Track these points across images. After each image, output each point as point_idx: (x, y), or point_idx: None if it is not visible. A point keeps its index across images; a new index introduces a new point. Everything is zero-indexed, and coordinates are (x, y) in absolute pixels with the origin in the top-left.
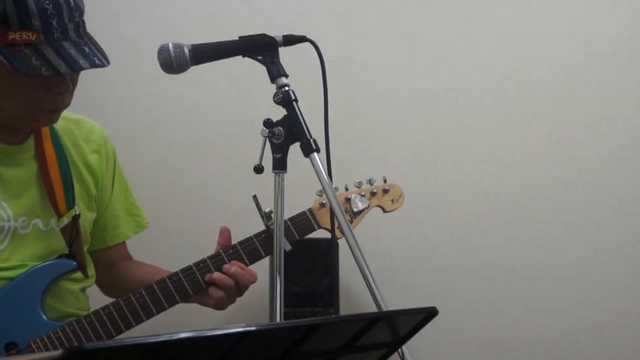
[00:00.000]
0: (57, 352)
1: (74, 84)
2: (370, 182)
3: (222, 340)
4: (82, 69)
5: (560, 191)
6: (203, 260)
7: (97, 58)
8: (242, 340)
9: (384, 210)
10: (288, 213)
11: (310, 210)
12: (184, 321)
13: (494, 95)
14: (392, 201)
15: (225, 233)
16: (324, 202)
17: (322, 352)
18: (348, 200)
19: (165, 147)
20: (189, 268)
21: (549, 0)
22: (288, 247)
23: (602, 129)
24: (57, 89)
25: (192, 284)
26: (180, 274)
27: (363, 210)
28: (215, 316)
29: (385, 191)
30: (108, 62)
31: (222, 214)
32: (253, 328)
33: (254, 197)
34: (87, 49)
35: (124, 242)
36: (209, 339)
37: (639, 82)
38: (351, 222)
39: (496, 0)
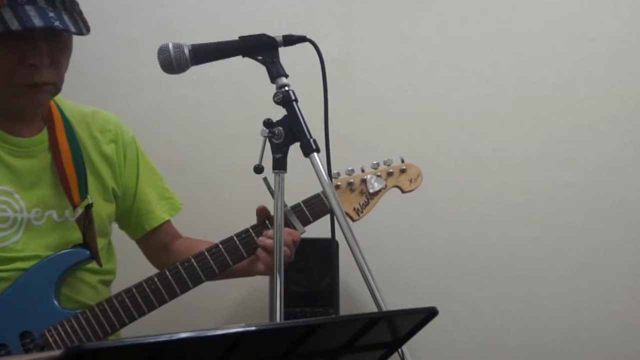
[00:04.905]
0: (57, 353)
1: (55, 61)
2: (386, 162)
3: (222, 340)
4: (34, 26)
5: (560, 191)
6: (245, 231)
7: (60, 22)
8: (242, 340)
9: (402, 191)
10: None
11: (324, 192)
12: (184, 321)
13: (494, 95)
14: (410, 181)
15: (261, 209)
16: (339, 183)
17: (322, 352)
18: (364, 181)
19: (165, 147)
20: (229, 239)
21: (549, 0)
22: (302, 231)
23: (602, 129)
24: (30, 60)
25: (233, 255)
26: (219, 246)
27: (380, 190)
28: (215, 316)
29: (403, 171)
30: (77, 30)
31: (222, 213)
32: (253, 328)
33: (265, 179)
34: (51, 14)
35: (167, 223)
36: (209, 339)
37: (639, 82)
38: (367, 203)
39: (496, 0)
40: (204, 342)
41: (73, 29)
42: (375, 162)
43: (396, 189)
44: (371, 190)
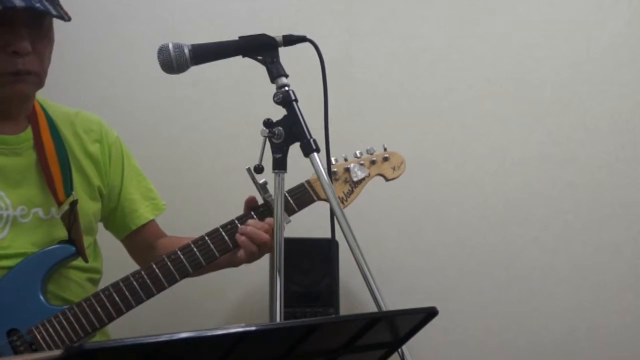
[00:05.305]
0: (57, 352)
1: (37, 50)
2: (369, 151)
3: (222, 340)
4: (15, 6)
5: (560, 191)
6: (231, 222)
7: (41, 4)
8: (242, 340)
9: (386, 179)
10: None
11: (308, 181)
12: (184, 321)
13: (494, 95)
14: (394, 169)
15: (250, 200)
16: None
17: (322, 352)
18: (347, 170)
19: (165, 147)
20: (215, 231)
21: (549, 0)
22: (288, 220)
23: (602, 129)
24: (12, 48)
25: (219, 247)
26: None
27: (363, 179)
28: (215, 316)
29: (386, 159)
30: (57, 14)
31: (222, 214)
32: (253, 328)
33: (248, 169)
34: None
35: (152, 223)
36: (209, 339)
37: (639, 82)
38: (352, 192)
39: (496, 1)
40: (204, 342)
41: (54, 12)
42: (358, 151)
43: (380, 178)
44: (355, 179)
